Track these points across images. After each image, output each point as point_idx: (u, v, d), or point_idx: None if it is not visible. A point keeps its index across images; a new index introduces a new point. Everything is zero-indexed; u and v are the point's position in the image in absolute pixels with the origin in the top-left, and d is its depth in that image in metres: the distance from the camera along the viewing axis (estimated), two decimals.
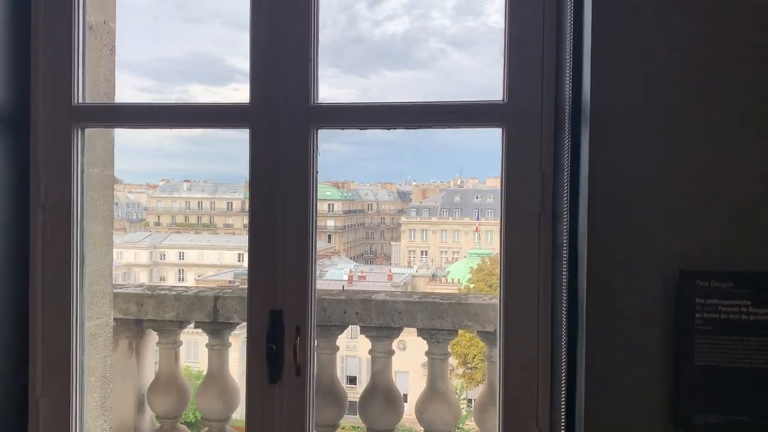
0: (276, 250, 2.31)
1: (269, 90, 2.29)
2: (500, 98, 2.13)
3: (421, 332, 3.98)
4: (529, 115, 2.10)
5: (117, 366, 3.94)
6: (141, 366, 4.26)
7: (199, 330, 4.09)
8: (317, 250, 2.30)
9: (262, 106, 2.31)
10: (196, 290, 4.30)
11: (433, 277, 65.26)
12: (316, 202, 2.52)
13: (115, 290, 4.09)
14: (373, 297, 4.05)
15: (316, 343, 2.38)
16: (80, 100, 2.47)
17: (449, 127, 2.27)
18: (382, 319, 4.07)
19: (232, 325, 4.07)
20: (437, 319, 4.02)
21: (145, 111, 2.58)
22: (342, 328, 3.82)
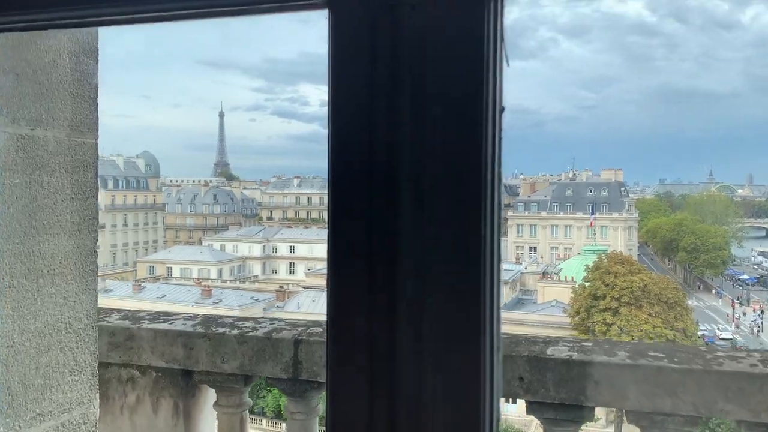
0: None
1: None
2: None
3: (635, 416, 2.23)
4: None
5: None
6: None
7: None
8: None
9: None
10: (270, 328, 2.79)
11: (544, 274, 62.40)
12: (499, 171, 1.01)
13: (152, 324, 2.65)
14: (549, 353, 2.35)
15: None
16: None
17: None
18: (564, 392, 2.36)
19: (321, 385, 2.49)
20: (665, 396, 2.26)
21: None
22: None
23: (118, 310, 3.39)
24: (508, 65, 1.05)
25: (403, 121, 0.92)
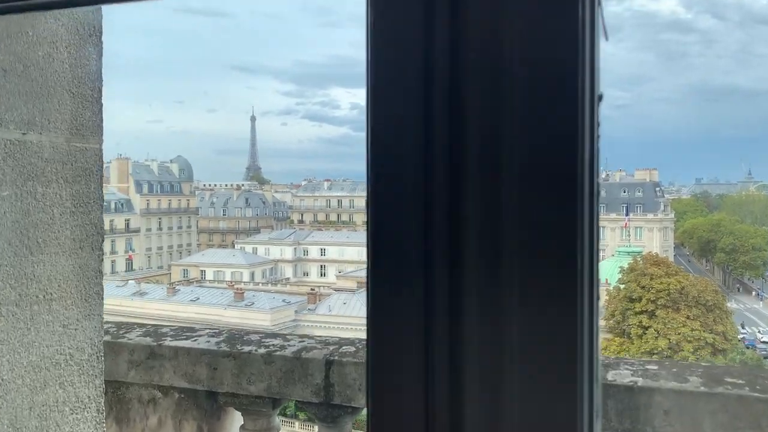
0: None
1: None
2: None
3: None
4: None
5: None
6: None
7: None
8: None
9: None
10: (300, 346, 2.56)
11: None
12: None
13: (175, 342, 2.46)
14: (611, 378, 2.10)
15: None
16: None
17: None
18: (629, 422, 2.10)
19: (355, 410, 2.25)
20: (748, 429, 1.97)
21: None
22: None
23: (143, 325, 3.20)
24: (607, 38, 0.79)
25: (470, 105, 0.67)
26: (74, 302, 1.47)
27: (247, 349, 2.66)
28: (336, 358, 2.51)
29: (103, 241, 1.55)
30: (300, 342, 2.73)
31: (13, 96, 1.32)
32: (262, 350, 2.63)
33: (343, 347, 2.64)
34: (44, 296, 1.39)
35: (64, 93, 1.44)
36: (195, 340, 2.82)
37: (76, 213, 1.47)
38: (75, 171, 1.47)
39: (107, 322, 3.19)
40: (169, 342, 2.81)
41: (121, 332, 2.99)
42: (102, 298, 1.55)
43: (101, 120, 1.54)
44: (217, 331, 2.96)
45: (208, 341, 2.80)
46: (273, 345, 2.69)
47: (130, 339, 2.89)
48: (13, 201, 1.31)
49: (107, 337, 2.86)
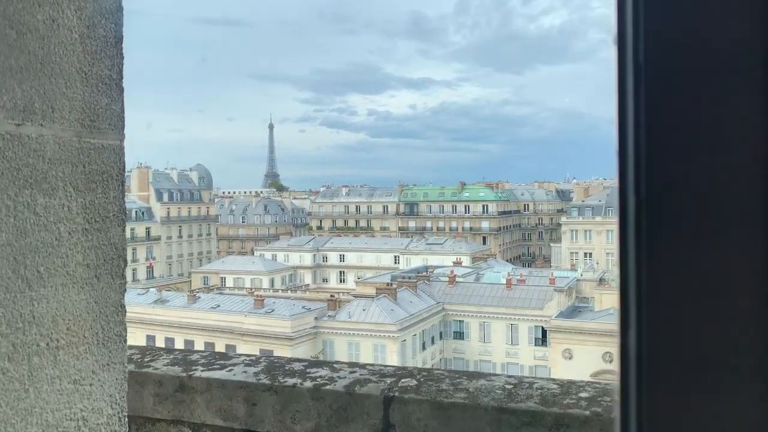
0: None
1: None
2: None
3: None
4: None
5: None
6: None
7: None
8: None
9: None
10: (352, 378, 2.18)
11: (601, 281, 61.00)
12: None
13: (207, 372, 2.11)
14: None
15: None
16: None
17: None
18: None
19: None
20: None
21: None
22: None
23: (171, 350, 2.84)
24: None
25: None
26: (88, 349, 1.11)
27: (291, 381, 2.29)
28: (396, 394, 2.13)
29: (125, 266, 1.19)
30: (351, 372, 2.35)
31: (3, 74, 0.96)
32: (308, 383, 2.26)
33: (403, 380, 2.26)
34: (47, 344, 1.03)
35: (73, 71, 1.07)
36: (230, 370, 2.46)
37: (90, 231, 1.10)
38: (88, 175, 1.10)
39: (131, 347, 2.83)
40: (200, 372, 2.45)
41: (145, 360, 2.64)
42: (125, 341, 1.19)
43: (122, 109, 1.18)
44: (253, 358, 2.59)
45: (245, 371, 2.43)
46: (320, 376, 2.31)
47: (157, 368, 2.53)
48: (4, 217, 0.95)
49: (130, 366, 2.50)
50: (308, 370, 2.41)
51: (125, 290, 1.19)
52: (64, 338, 1.05)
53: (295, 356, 46.76)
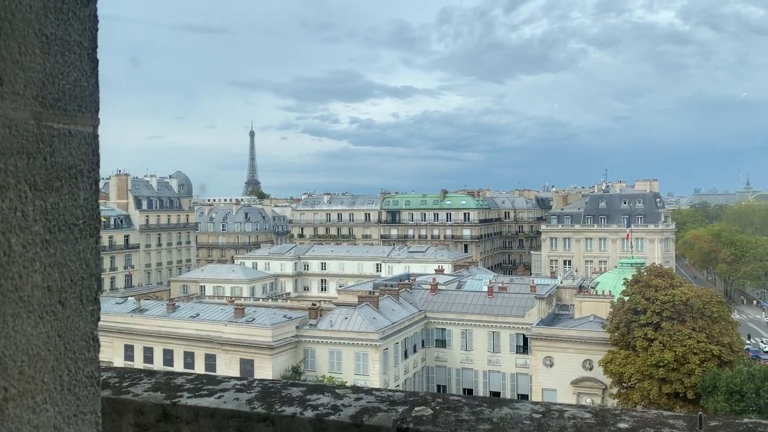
0: None
1: None
2: None
3: None
4: None
5: None
6: None
7: None
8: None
9: None
10: (358, 407, 1.92)
11: (581, 288, 61.28)
12: None
13: (194, 399, 1.85)
14: None
15: None
16: None
17: None
18: None
19: None
20: None
21: None
22: None
23: (153, 372, 2.55)
24: None
25: None
26: (49, 398, 0.83)
27: (289, 410, 2.02)
28: (411, 425, 1.87)
29: (99, 288, 0.92)
30: (357, 399, 2.08)
31: None
32: (309, 413, 1.99)
33: (416, 408, 2.00)
34: None
35: (30, 33, 0.81)
36: (220, 396, 2.18)
37: (52, 243, 0.83)
38: (51, 171, 0.84)
39: (107, 369, 2.54)
40: (186, 399, 2.17)
41: (124, 385, 2.34)
42: (98, 384, 0.92)
43: (96, 86, 0.91)
44: (246, 383, 2.31)
45: (237, 398, 2.15)
46: (322, 405, 2.04)
47: (137, 395, 2.24)
48: None
49: (106, 392, 2.21)
50: (308, 397, 2.14)
51: (99, 319, 0.92)
52: (15, 386, 0.78)
53: (276, 366, 46.03)
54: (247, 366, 45.63)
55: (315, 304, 54.60)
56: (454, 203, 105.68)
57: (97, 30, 0.92)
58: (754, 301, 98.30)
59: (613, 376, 41.31)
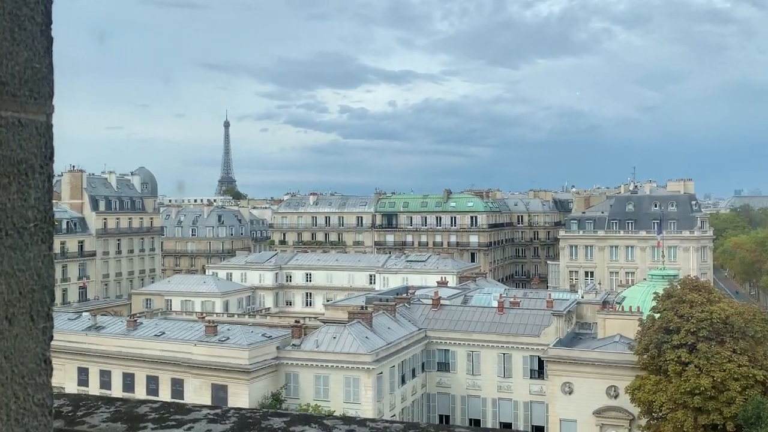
0: None
1: None
2: None
3: None
4: None
5: None
6: None
7: None
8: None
9: None
10: None
11: (604, 304, 61.31)
12: None
13: None
14: None
15: None
16: None
17: None
18: None
19: None
20: None
21: None
22: None
23: (112, 400, 2.54)
24: None
25: None
26: None
27: None
28: None
29: (52, 301, 0.92)
30: (348, 431, 2.08)
31: None
32: None
33: None
34: None
35: None
36: (189, 428, 2.17)
37: None
38: None
39: (59, 396, 2.53)
40: (151, 431, 2.16)
41: (78, 414, 2.33)
42: (50, 413, 0.91)
43: (50, 69, 0.91)
44: (219, 412, 2.30)
45: (209, 430, 2.15)
46: None
47: (93, 425, 2.23)
48: None
49: (59, 423, 2.20)
50: (292, 429, 2.13)
51: (52, 337, 0.91)
52: None
53: (253, 392, 45.73)
54: (219, 392, 45.59)
55: (299, 322, 54.66)
56: (460, 205, 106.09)
57: (51, 3, 0.91)
58: None
59: (641, 405, 41.38)
